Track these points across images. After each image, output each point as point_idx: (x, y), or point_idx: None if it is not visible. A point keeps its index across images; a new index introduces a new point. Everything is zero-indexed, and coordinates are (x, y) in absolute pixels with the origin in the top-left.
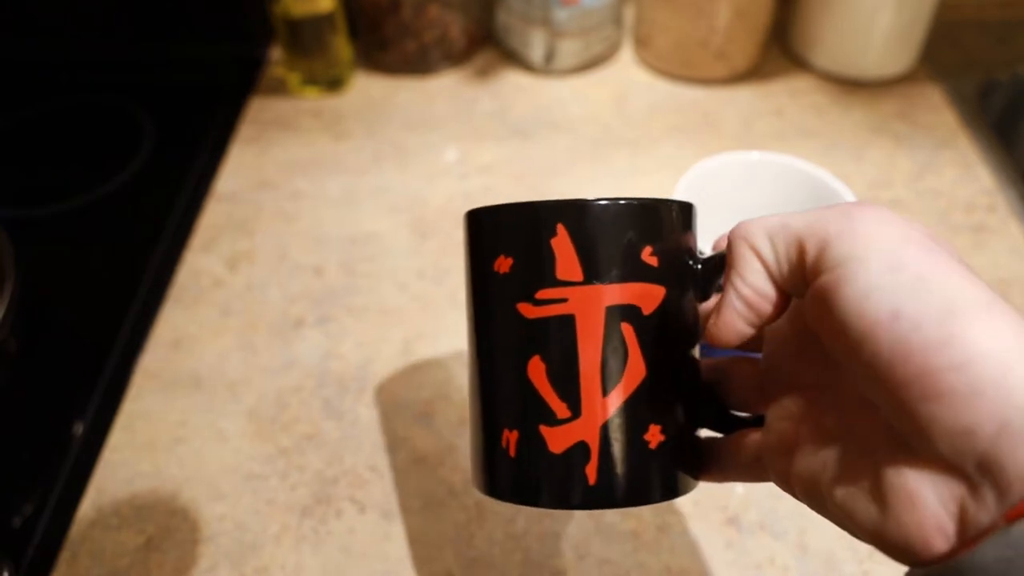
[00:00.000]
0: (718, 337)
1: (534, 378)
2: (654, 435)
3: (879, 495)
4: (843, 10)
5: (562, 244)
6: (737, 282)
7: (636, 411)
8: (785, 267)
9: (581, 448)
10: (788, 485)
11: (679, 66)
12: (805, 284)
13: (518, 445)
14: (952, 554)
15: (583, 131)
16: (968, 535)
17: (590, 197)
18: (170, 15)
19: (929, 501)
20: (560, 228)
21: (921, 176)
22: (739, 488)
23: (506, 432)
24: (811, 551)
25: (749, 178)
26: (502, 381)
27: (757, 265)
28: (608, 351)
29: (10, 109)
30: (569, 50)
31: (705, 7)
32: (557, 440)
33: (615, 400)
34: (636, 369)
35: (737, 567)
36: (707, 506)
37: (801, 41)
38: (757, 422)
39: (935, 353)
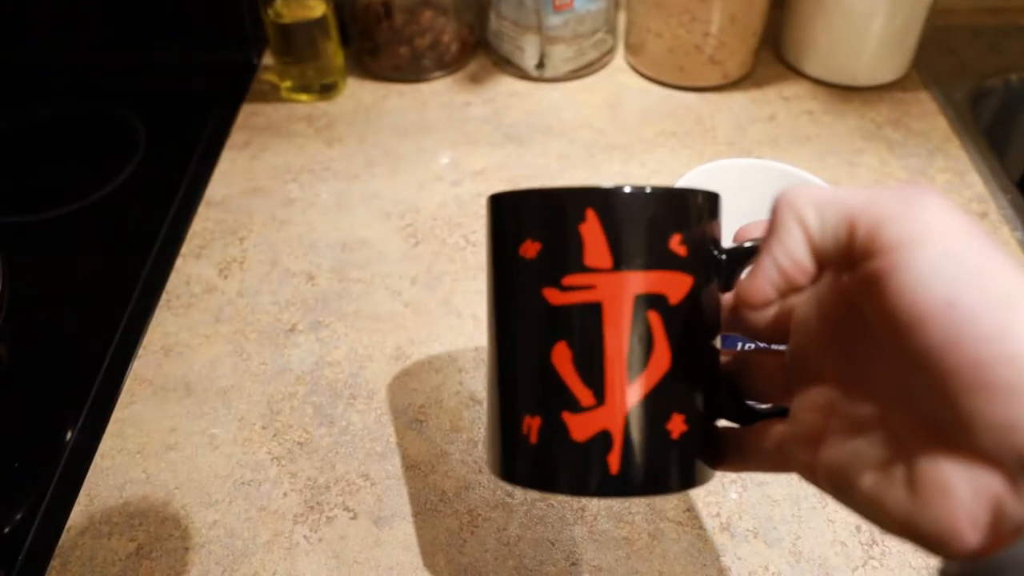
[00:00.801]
0: (746, 298)
1: (558, 364)
2: (676, 425)
3: (912, 484)
4: (836, 16)
5: (591, 230)
6: (777, 249)
7: (660, 400)
8: (831, 242)
9: (604, 436)
10: (813, 475)
11: (672, 72)
12: (850, 262)
13: (540, 431)
14: (986, 550)
15: (576, 137)
16: (1003, 531)
17: (619, 184)
18: (162, 21)
19: (963, 492)
20: (589, 214)
21: (914, 182)
22: (732, 495)
23: (527, 418)
24: (804, 558)
25: (742, 184)
26: (525, 367)
27: (799, 235)
28: (634, 339)
29: (3, 114)
30: (562, 56)
31: (698, 13)
32: (580, 428)
33: (639, 389)
34: (661, 358)
35: (730, 574)
36: (700, 513)
37: (794, 47)
38: (779, 413)
39: (987, 345)
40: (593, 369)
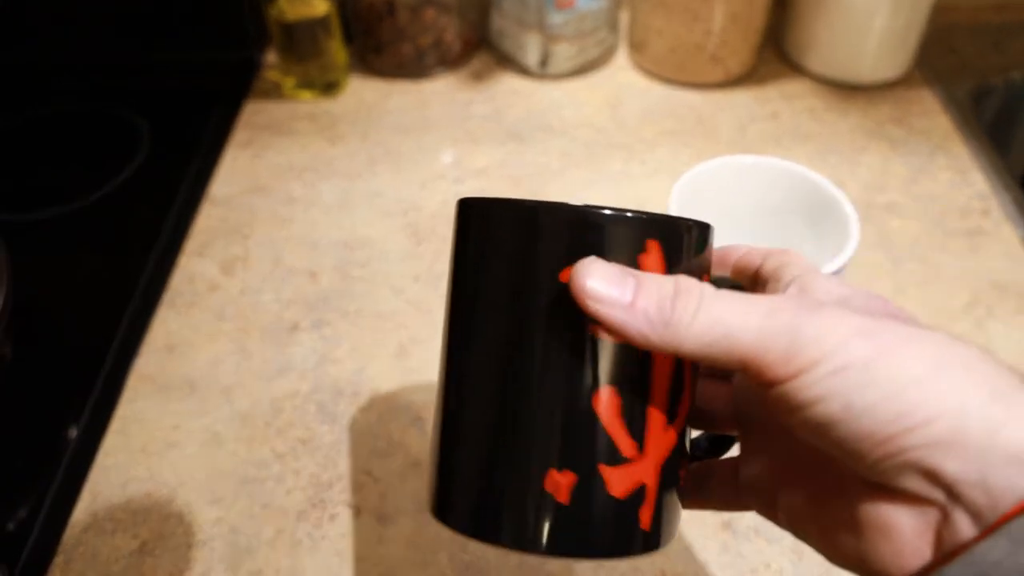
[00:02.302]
0: None
1: (602, 410)
2: (685, 469)
3: (857, 528)
4: (838, 14)
5: (652, 262)
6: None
7: (682, 446)
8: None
9: (640, 490)
10: (774, 515)
11: (674, 70)
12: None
13: (575, 489)
14: (923, 572)
15: (578, 135)
16: (940, 555)
17: (679, 216)
18: (164, 20)
19: (905, 531)
20: (652, 245)
21: (916, 180)
22: None
23: (554, 473)
24: (806, 556)
25: (744, 182)
26: (556, 412)
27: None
28: (674, 382)
29: (5, 113)
30: (564, 54)
31: (700, 11)
32: (619, 482)
33: (672, 435)
34: (687, 401)
35: (732, 572)
36: (702, 511)
37: (796, 45)
38: (718, 451)
39: (894, 424)
40: (637, 415)
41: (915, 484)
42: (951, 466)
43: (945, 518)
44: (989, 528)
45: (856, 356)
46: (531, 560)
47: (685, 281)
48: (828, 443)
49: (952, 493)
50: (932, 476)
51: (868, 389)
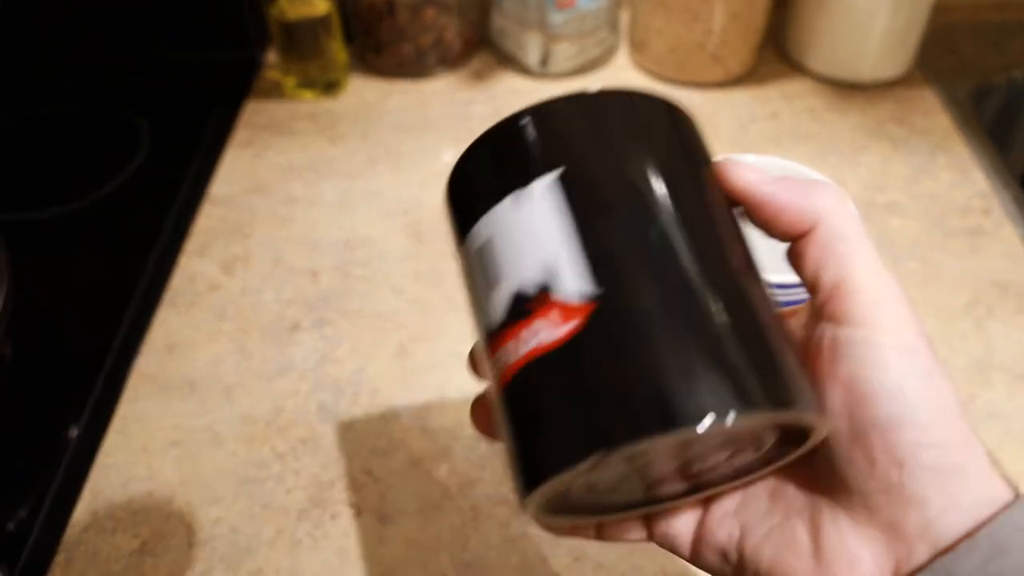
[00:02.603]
0: None
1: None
2: None
3: (819, 553)
4: (839, 14)
5: None
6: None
7: None
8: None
9: None
10: (693, 550)
11: (674, 70)
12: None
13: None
14: None
15: None
16: None
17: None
18: (165, 20)
19: (867, 562)
20: None
21: (916, 180)
22: None
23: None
24: None
25: None
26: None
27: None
28: None
29: (5, 113)
30: (564, 53)
31: (700, 11)
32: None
33: None
34: None
35: None
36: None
37: (796, 45)
38: None
39: (921, 431)
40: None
41: (899, 513)
42: (939, 499)
43: (908, 554)
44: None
45: (921, 351)
46: (531, 558)
47: None
48: (855, 422)
49: (922, 531)
50: (919, 507)
51: (922, 388)
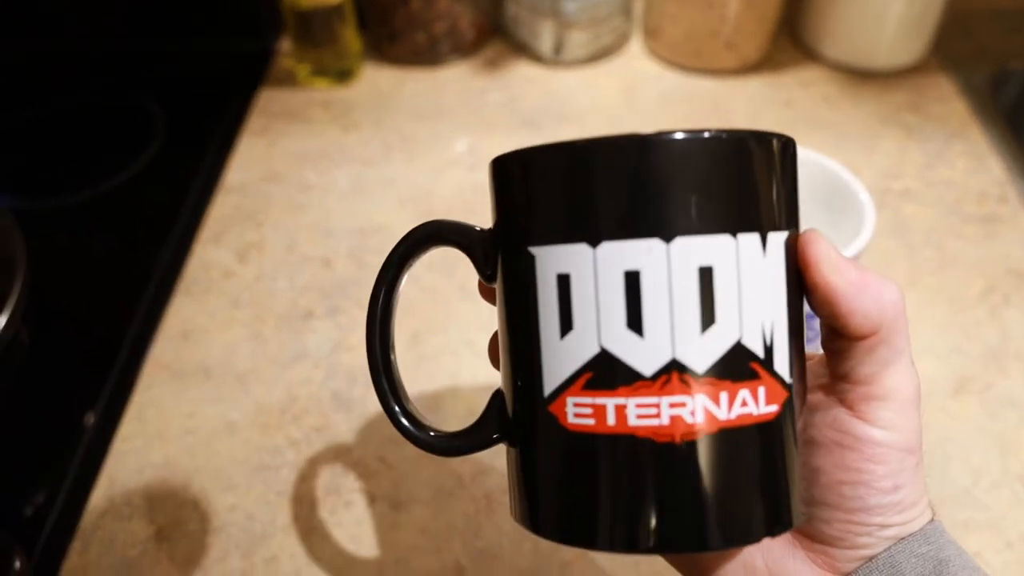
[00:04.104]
0: None
1: None
2: None
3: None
4: (854, 0)
5: None
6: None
7: None
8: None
9: None
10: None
11: (689, 57)
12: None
13: None
14: None
15: (592, 122)
16: None
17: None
18: (180, 9)
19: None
20: None
21: (932, 167)
22: None
23: None
24: None
25: None
26: None
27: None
28: None
29: (24, 102)
30: (578, 41)
31: None
32: None
33: None
34: None
35: None
36: None
37: (811, 31)
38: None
39: (902, 515)
40: None
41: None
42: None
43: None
44: None
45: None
46: (543, 545)
47: None
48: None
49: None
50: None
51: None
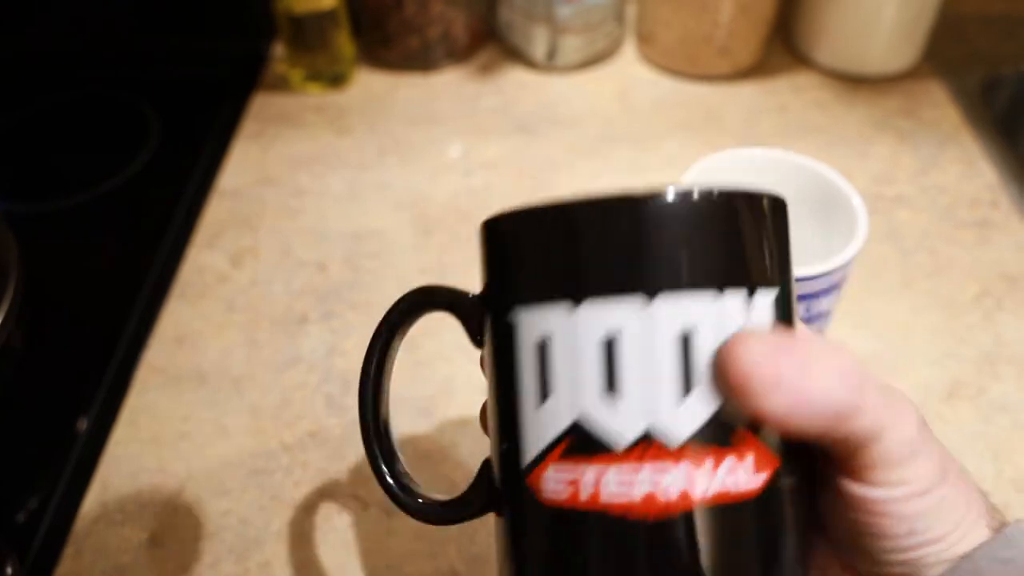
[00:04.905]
0: None
1: None
2: None
3: None
4: (847, 6)
5: None
6: None
7: None
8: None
9: None
10: None
11: (682, 62)
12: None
13: None
14: None
15: (586, 127)
16: None
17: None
18: (174, 10)
19: None
20: None
21: (925, 172)
22: None
23: None
24: None
25: (752, 174)
26: None
27: None
28: None
29: (15, 103)
30: (571, 46)
31: (708, 3)
32: None
33: None
34: None
35: None
36: None
37: (804, 37)
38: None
39: (929, 548)
40: None
41: None
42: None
43: None
44: None
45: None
46: None
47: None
48: (862, 540)
49: None
50: None
51: (928, 526)
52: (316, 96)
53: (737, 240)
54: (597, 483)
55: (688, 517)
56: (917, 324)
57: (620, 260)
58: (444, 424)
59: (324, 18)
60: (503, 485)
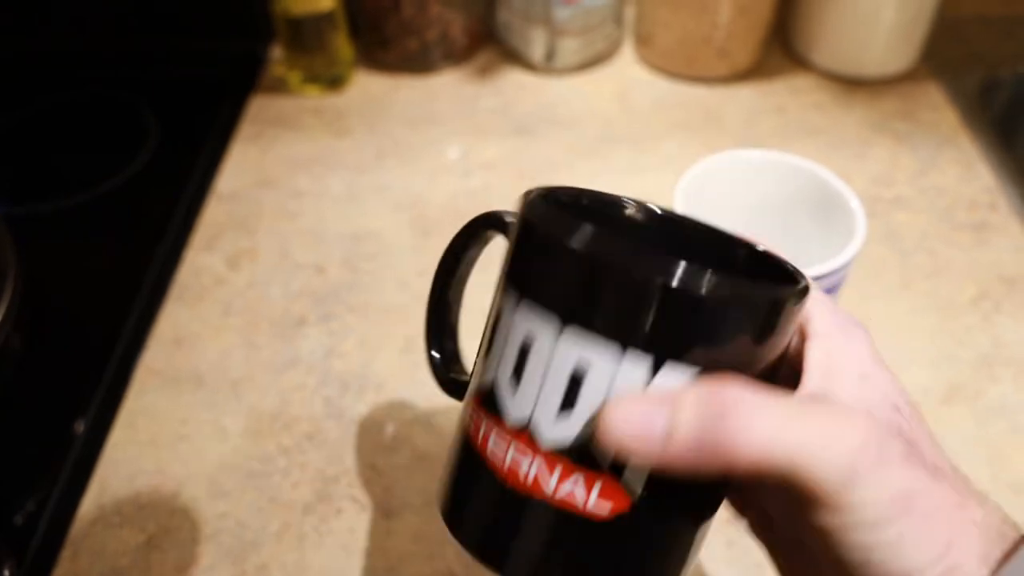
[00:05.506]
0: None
1: None
2: None
3: None
4: (845, 8)
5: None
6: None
7: None
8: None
9: None
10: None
11: (681, 64)
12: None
13: None
14: None
15: (585, 129)
16: None
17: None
18: (173, 11)
19: None
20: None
21: (923, 174)
22: None
23: None
24: None
25: (751, 176)
26: None
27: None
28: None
29: (12, 104)
30: (570, 48)
31: (707, 4)
32: None
33: None
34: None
35: (738, 566)
36: None
37: (803, 39)
38: None
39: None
40: None
41: None
42: None
43: None
44: None
45: (899, 483)
46: None
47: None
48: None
49: None
50: None
51: (917, 529)
52: (314, 98)
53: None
54: (486, 437)
55: (537, 503)
56: (915, 326)
57: (566, 288)
58: (443, 426)
59: (322, 20)
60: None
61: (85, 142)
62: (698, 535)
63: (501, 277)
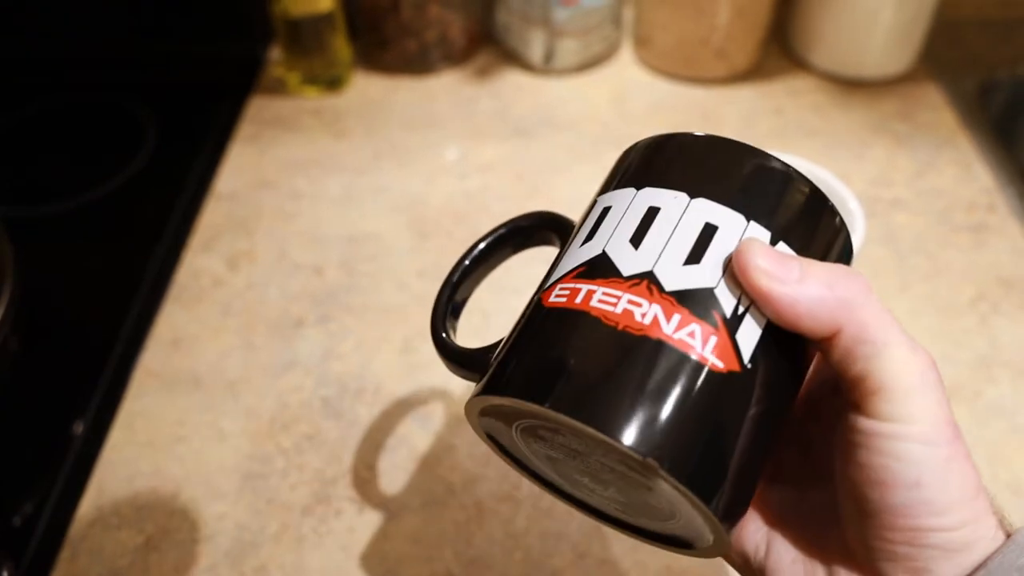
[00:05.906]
0: None
1: None
2: None
3: None
4: (843, 9)
5: None
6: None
7: None
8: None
9: None
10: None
11: (679, 65)
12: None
13: None
14: None
15: (583, 130)
16: None
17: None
18: (171, 13)
19: None
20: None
21: (922, 175)
22: None
23: None
24: None
25: None
26: None
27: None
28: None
29: (10, 107)
30: (569, 49)
31: (705, 6)
32: None
33: None
34: None
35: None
36: None
37: (801, 40)
38: None
39: (934, 517)
40: None
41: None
42: (943, 570)
43: None
44: None
45: (946, 442)
46: (534, 554)
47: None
48: (865, 499)
49: None
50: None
51: (940, 480)
52: (313, 99)
53: (795, 206)
54: (590, 295)
55: (651, 342)
56: (913, 327)
57: (692, 169)
58: (441, 427)
59: (321, 21)
60: (523, 311)
61: (84, 143)
62: (785, 415)
63: (604, 188)
